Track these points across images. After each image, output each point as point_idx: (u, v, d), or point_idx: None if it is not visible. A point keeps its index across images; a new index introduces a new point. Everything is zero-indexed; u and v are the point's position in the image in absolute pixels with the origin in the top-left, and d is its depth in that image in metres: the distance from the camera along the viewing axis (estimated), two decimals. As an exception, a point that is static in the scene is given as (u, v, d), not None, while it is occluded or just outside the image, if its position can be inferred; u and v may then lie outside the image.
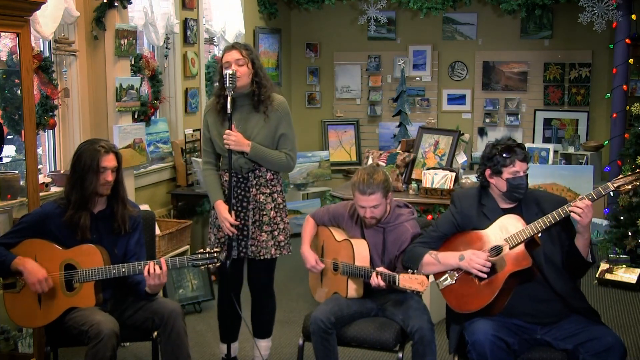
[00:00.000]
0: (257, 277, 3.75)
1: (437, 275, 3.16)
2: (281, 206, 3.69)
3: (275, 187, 3.68)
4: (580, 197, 2.97)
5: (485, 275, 3.01)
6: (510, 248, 3.00)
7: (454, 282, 3.10)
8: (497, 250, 3.03)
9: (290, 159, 3.65)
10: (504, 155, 3.06)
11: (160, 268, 3.15)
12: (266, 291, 3.78)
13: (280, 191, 3.70)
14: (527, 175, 3.09)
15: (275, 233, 3.66)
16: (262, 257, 3.64)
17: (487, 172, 3.12)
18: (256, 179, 3.63)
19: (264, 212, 3.63)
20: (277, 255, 3.68)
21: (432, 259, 3.15)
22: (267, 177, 3.65)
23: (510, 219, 3.05)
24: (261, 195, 3.63)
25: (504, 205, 3.13)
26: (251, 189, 3.63)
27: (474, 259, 3.02)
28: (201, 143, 3.79)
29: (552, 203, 3.08)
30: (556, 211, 2.97)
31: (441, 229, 3.23)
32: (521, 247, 2.99)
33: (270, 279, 3.78)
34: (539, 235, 3.00)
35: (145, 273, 3.14)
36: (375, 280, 3.17)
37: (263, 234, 3.63)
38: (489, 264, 3.00)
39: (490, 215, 3.12)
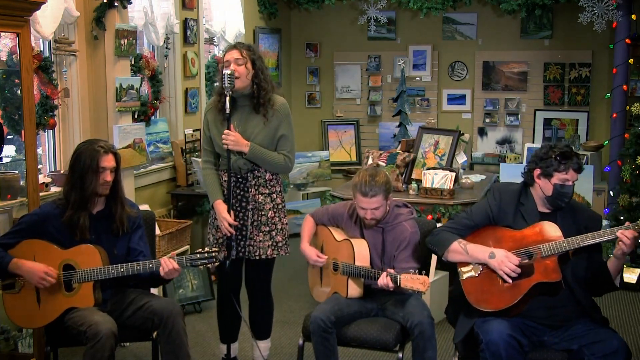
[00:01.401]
0: (254, 277, 3.74)
1: (461, 264, 3.11)
2: (280, 207, 3.69)
3: (275, 188, 3.67)
4: (627, 225, 2.89)
5: (511, 280, 2.96)
6: (542, 257, 2.95)
7: (476, 275, 3.04)
8: (528, 255, 2.99)
9: (288, 160, 3.64)
10: (560, 160, 2.99)
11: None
12: (263, 292, 3.77)
13: (279, 192, 3.70)
14: (574, 185, 3.03)
15: (273, 233, 3.65)
16: (257, 257, 3.64)
17: (537, 171, 3.06)
18: (255, 180, 3.63)
19: (262, 213, 3.63)
20: (275, 256, 3.68)
21: (461, 248, 3.08)
22: (266, 178, 3.64)
23: (548, 226, 2.99)
24: (260, 195, 3.63)
25: (542, 209, 3.08)
26: (250, 189, 3.63)
27: (505, 262, 2.96)
28: (201, 142, 3.79)
29: (588, 218, 3.06)
30: (598, 233, 2.91)
31: (475, 219, 3.15)
32: (554, 258, 2.94)
33: (267, 280, 3.77)
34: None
35: (162, 273, 3.18)
36: (384, 280, 3.15)
37: (260, 234, 3.62)
38: (519, 270, 2.95)
39: (527, 217, 3.06)
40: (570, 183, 3.00)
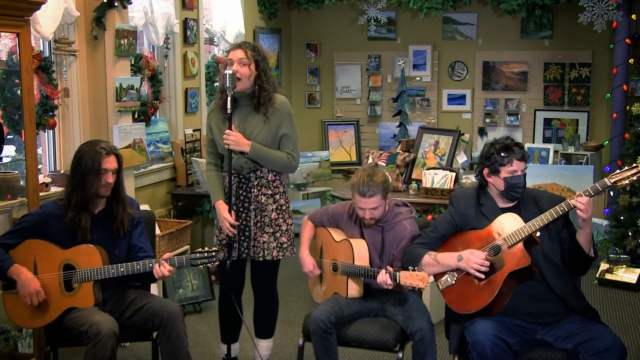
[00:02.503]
0: (259, 277, 3.74)
1: (437, 276, 3.17)
2: (284, 207, 3.67)
3: (278, 189, 3.66)
4: (578, 193, 2.95)
5: (483, 275, 3.01)
6: (509, 247, 3.00)
7: (453, 282, 3.10)
8: (495, 249, 3.03)
9: (292, 158, 3.62)
10: (502, 154, 3.07)
11: (167, 261, 3.19)
12: (268, 292, 3.77)
13: (283, 192, 3.68)
14: (525, 175, 3.09)
15: (278, 235, 3.64)
16: (262, 259, 3.63)
17: (485, 171, 3.13)
18: (257, 180, 3.62)
19: (265, 214, 3.62)
20: (280, 257, 3.67)
21: (432, 259, 3.15)
22: (269, 178, 3.63)
23: (508, 217, 3.06)
24: (262, 196, 3.62)
25: (503, 204, 3.14)
26: (252, 190, 3.62)
27: (472, 259, 3.02)
28: (203, 144, 3.80)
29: (551, 202, 3.08)
30: (554, 208, 2.97)
31: (440, 230, 3.23)
32: (520, 245, 3.00)
33: (272, 280, 3.77)
34: (538, 234, 3.00)
35: (156, 275, 3.18)
36: (383, 277, 3.16)
37: (264, 235, 3.61)
38: (487, 263, 3.00)
39: (489, 215, 3.12)
40: (519, 173, 3.06)
